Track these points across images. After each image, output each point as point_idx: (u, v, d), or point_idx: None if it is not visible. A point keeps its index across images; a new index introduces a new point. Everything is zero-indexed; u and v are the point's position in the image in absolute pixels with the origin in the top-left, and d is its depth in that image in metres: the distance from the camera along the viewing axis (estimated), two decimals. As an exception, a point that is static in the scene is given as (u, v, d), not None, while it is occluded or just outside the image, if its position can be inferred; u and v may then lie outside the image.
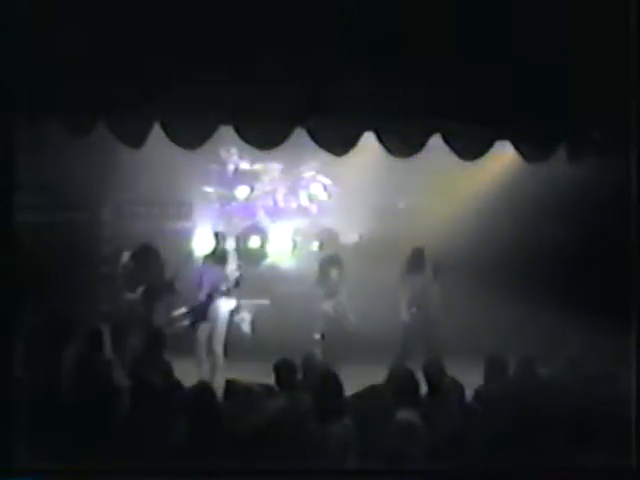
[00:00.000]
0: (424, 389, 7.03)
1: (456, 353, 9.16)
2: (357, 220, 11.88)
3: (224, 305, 9.52)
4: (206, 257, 9.74)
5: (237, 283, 9.49)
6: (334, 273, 9.82)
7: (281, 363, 7.14)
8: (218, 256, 9.63)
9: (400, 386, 6.54)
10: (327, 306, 9.84)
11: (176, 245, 10.20)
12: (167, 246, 10.28)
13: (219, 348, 9.43)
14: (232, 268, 9.63)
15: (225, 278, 9.46)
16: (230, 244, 11.41)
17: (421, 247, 9.79)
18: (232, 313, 9.80)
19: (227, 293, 9.50)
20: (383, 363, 7.30)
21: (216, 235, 9.86)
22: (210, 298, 9.39)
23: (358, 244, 11.75)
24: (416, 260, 9.75)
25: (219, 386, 6.63)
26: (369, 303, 10.21)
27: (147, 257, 9.72)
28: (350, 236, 11.77)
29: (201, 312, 9.37)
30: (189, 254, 10.00)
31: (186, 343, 9.21)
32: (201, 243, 11.09)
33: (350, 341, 9.63)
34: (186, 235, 11.38)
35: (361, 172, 11.40)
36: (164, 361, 7.98)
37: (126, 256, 9.83)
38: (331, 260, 9.96)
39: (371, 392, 6.93)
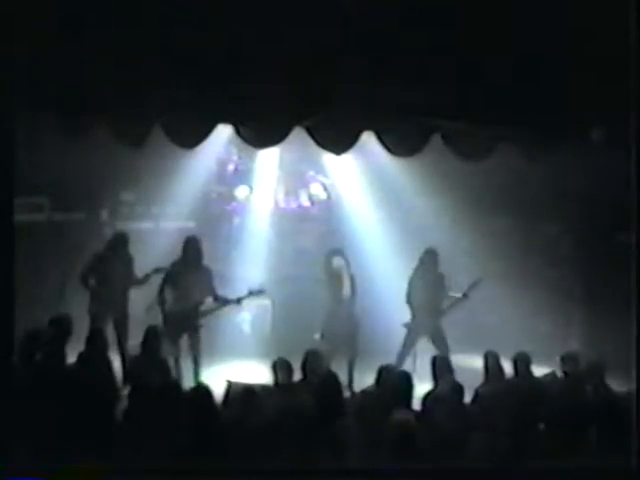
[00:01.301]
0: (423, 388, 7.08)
1: (459, 352, 9.19)
2: (357, 220, 11.86)
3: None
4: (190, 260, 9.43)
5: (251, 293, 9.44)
6: (339, 269, 9.80)
7: (278, 363, 7.14)
8: None
9: (393, 387, 6.57)
10: (329, 305, 9.84)
11: (174, 246, 10.13)
12: (165, 247, 10.28)
13: (198, 356, 9.24)
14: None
15: (210, 286, 9.30)
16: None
17: (433, 248, 9.77)
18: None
19: (238, 303, 9.45)
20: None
21: None
22: (197, 307, 9.24)
23: (358, 244, 11.73)
24: (427, 261, 9.73)
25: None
26: (372, 304, 10.21)
27: (125, 246, 9.55)
28: (350, 236, 11.74)
29: (186, 320, 9.19)
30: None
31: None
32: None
33: (351, 341, 9.63)
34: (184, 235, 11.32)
35: (361, 171, 11.42)
36: (162, 360, 8.00)
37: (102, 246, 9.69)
38: (336, 255, 9.92)
39: (370, 392, 6.96)
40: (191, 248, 9.37)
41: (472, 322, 10.55)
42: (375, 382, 6.99)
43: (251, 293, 9.43)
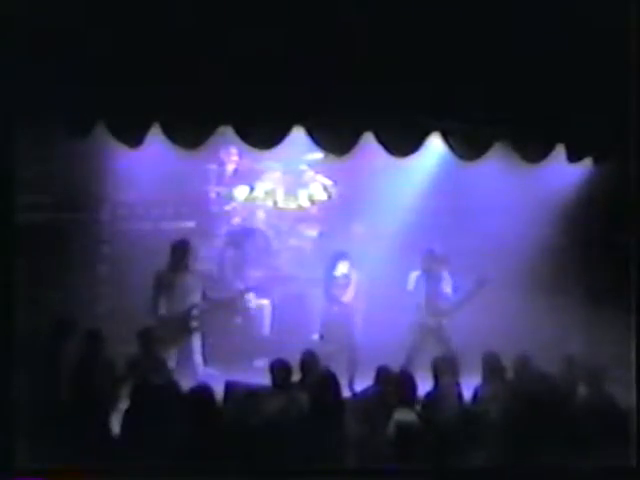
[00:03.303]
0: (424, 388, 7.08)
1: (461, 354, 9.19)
2: (357, 221, 11.85)
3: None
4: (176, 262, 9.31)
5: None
6: (341, 270, 9.81)
7: (277, 363, 7.14)
8: None
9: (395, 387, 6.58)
10: (328, 305, 9.84)
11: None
12: (165, 247, 10.26)
13: (198, 357, 9.20)
14: None
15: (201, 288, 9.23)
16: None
17: (433, 249, 9.80)
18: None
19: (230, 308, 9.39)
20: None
21: None
22: (190, 310, 9.13)
23: (357, 244, 11.73)
24: (428, 262, 9.75)
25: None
26: (371, 305, 10.20)
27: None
28: (350, 237, 11.73)
29: (180, 323, 9.10)
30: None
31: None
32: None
33: (351, 341, 9.63)
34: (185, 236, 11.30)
35: (361, 172, 11.40)
36: (161, 360, 8.01)
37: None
38: (339, 257, 9.93)
39: (369, 392, 6.97)
40: (180, 251, 9.30)
41: (472, 323, 10.54)
42: (374, 382, 7.02)
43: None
